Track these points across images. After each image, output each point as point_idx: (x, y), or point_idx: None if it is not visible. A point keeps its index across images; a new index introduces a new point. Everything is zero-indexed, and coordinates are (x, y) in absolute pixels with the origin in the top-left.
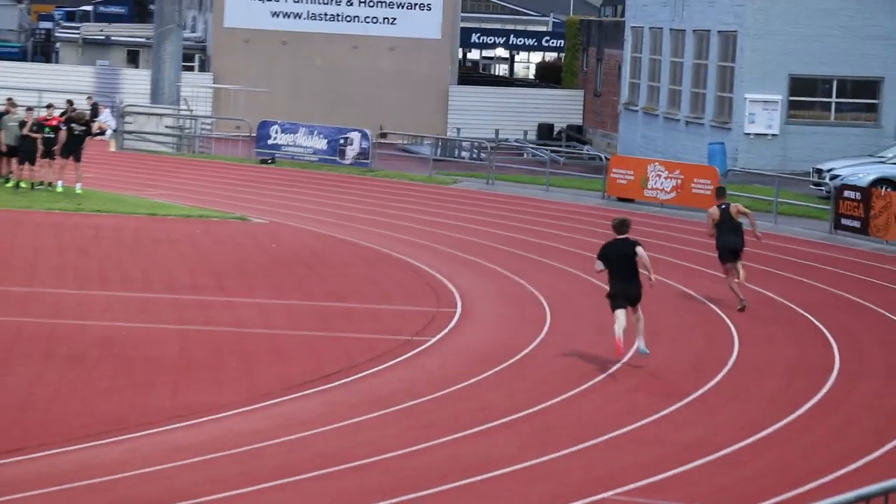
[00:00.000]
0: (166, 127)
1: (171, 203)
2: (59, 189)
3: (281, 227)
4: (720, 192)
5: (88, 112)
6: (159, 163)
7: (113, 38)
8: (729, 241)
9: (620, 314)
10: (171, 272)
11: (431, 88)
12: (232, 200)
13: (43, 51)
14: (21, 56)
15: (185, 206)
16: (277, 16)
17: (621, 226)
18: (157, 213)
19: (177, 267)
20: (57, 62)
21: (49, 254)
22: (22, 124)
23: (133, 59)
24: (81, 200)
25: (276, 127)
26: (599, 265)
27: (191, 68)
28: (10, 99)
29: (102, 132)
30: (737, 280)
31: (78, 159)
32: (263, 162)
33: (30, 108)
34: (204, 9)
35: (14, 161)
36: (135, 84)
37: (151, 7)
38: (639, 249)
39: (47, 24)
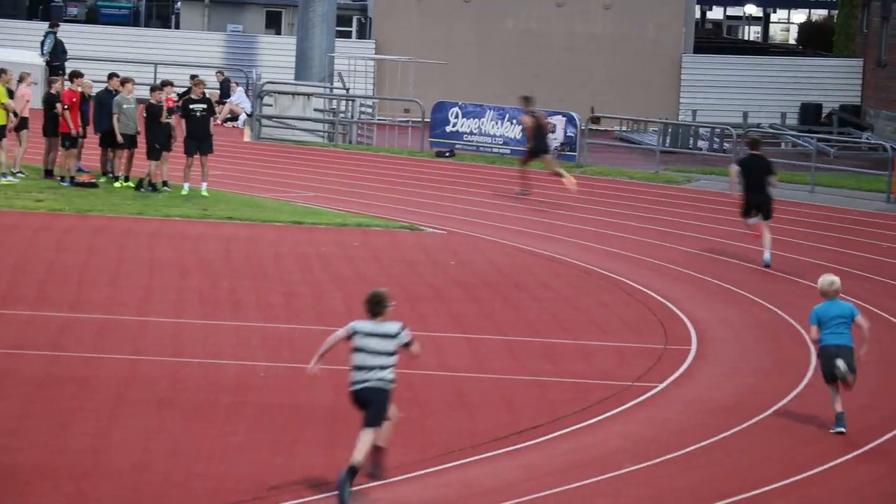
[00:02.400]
0: (315, 110)
1: (321, 208)
2: (185, 191)
3: (462, 238)
4: (527, 101)
5: (217, 92)
6: (306, 156)
7: None
8: (541, 144)
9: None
10: (321, 296)
11: (659, 58)
12: (399, 205)
13: (160, 13)
14: (132, 20)
15: (340, 211)
16: None
17: (755, 143)
18: (303, 220)
19: (329, 290)
20: (177, 27)
21: (168, 272)
22: (152, 110)
23: (273, 22)
24: (208, 205)
25: (455, 110)
26: (735, 169)
27: (347, 34)
28: (114, 74)
29: (235, 117)
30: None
31: (206, 151)
32: (440, 155)
33: (166, 83)
34: None
35: (125, 154)
36: (276, 55)
37: None
38: (775, 176)
39: None
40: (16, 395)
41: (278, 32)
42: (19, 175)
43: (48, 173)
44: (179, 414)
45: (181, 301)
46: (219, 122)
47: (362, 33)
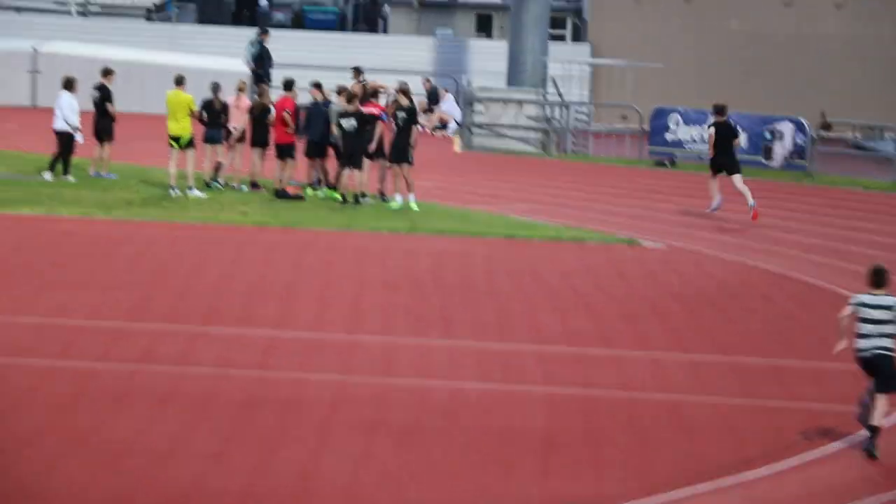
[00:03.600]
0: (528, 118)
1: (534, 221)
2: (395, 205)
3: (682, 252)
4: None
5: (424, 100)
6: (519, 166)
7: None
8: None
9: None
10: (535, 314)
11: None
12: (616, 217)
13: (367, 17)
14: (339, 24)
15: (554, 225)
16: None
17: (723, 110)
18: (516, 234)
19: (543, 307)
20: (385, 32)
21: (375, 289)
22: (364, 118)
23: (484, 26)
24: (417, 218)
25: (676, 116)
26: (712, 132)
27: (561, 38)
28: (317, 84)
29: (444, 125)
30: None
31: (403, 161)
32: (660, 164)
33: (376, 92)
34: None
35: (334, 164)
36: (486, 60)
37: None
38: (739, 137)
39: None
40: (221, 417)
41: (489, 36)
42: (241, 188)
43: (255, 185)
44: (389, 436)
45: (390, 318)
46: (427, 131)
47: (577, 36)
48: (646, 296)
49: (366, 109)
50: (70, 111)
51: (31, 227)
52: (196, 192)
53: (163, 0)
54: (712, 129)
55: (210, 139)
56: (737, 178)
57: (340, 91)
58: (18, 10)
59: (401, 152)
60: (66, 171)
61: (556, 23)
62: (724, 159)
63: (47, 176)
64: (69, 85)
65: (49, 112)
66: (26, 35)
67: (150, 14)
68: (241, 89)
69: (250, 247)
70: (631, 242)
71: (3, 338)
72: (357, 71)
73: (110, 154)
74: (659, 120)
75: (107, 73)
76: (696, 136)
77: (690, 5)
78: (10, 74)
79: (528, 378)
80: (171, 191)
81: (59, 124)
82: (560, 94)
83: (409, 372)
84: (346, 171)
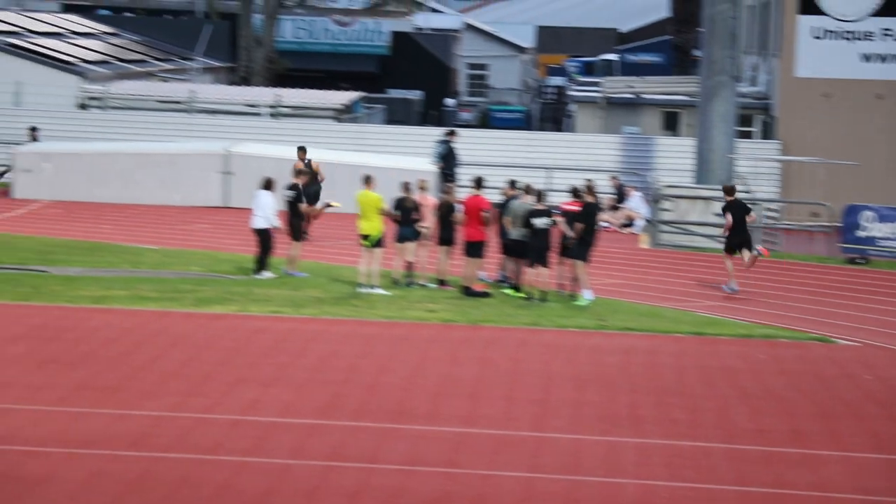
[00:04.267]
0: (716, 215)
1: (724, 318)
2: (584, 302)
3: (879, 351)
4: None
5: (614, 197)
6: (707, 263)
7: (644, 96)
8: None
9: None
10: (726, 412)
11: None
12: (808, 314)
13: (553, 115)
14: (525, 122)
15: (745, 322)
16: (870, 59)
17: (732, 190)
18: (704, 331)
19: (734, 405)
20: (570, 130)
21: (564, 386)
22: (538, 214)
23: (671, 123)
24: (605, 315)
25: (869, 213)
26: (729, 218)
27: (749, 134)
28: (513, 182)
29: (631, 222)
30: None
31: (577, 257)
32: (852, 262)
33: (580, 189)
34: (767, 54)
35: (523, 262)
36: (673, 157)
37: (696, 54)
38: (752, 213)
39: (558, 80)
40: None
41: (676, 133)
42: (428, 286)
43: (442, 283)
44: None
45: (578, 416)
46: (614, 228)
47: (766, 133)
48: (840, 394)
49: (568, 207)
50: (269, 210)
51: (224, 325)
52: (379, 290)
53: (351, 101)
54: (729, 214)
55: (403, 237)
56: (745, 254)
57: (528, 189)
58: (211, 112)
59: (581, 249)
60: (262, 268)
61: (745, 120)
62: (740, 238)
63: (267, 275)
64: (268, 185)
65: (241, 212)
66: (218, 137)
67: (339, 115)
68: (423, 188)
69: (437, 344)
70: (824, 340)
71: (198, 434)
72: (301, 150)
73: (301, 253)
74: (851, 217)
75: (299, 173)
76: (890, 234)
77: (882, 101)
78: (202, 175)
79: (720, 477)
80: (360, 289)
81: (259, 223)
82: (749, 191)
83: (598, 470)
84: (534, 270)
